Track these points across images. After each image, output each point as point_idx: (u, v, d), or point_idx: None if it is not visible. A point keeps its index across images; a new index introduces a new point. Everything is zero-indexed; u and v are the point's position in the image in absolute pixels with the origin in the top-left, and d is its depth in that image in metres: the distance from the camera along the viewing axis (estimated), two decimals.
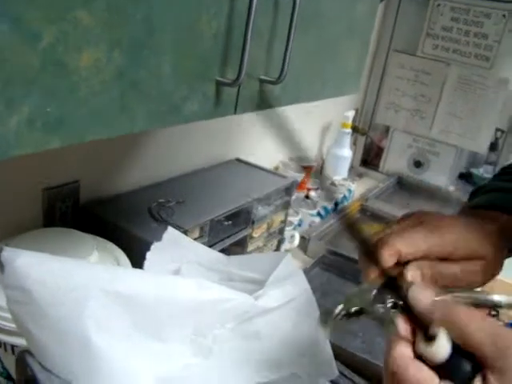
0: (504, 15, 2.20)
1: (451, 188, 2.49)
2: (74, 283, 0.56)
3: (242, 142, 1.65)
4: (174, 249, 0.75)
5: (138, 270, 0.73)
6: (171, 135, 1.32)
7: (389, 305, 0.50)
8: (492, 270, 0.62)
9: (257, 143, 1.74)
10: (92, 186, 1.17)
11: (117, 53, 0.52)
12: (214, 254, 0.77)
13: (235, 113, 0.73)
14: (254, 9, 0.63)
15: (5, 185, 0.97)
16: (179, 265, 0.74)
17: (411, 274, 0.55)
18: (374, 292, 0.51)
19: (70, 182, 1.12)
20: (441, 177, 2.49)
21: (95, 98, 0.51)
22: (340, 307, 0.53)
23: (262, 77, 0.76)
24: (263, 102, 0.78)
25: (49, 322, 0.55)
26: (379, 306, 0.50)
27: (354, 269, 1.54)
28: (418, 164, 2.54)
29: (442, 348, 0.44)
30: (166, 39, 0.57)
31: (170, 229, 0.74)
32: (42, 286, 0.55)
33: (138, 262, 0.98)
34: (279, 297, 0.68)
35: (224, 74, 0.67)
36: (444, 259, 0.58)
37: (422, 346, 0.44)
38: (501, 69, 2.32)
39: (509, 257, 0.67)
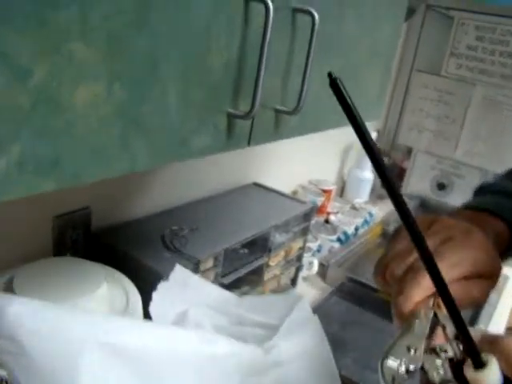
0: None
1: None
2: (69, 335, 0.52)
3: (259, 165, 1.61)
4: (182, 289, 0.70)
5: (136, 320, 0.69)
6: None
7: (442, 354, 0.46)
8: (492, 284, 0.58)
9: (275, 166, 1.70)
10: (103, 212, 1.13)
11: (117, 87, 0.47)
12: (224, 295, 0.72)
13: (249, 145, 0.68)
14: (267, 39, 0.59)
15: (13, 212, 0.94)
16: (187, 307, 0.69)
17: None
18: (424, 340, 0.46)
19: (81, 208, 1.09)
20: (465, 199, 2.41)
21: (93, 136, 0.47)
22: (399, 365, 0.45)
23: (278, 107, 0.72)
24: (279, 133, 0.73)
25: (41, 376, 0.51)
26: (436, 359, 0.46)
27: (374, 298, 1.49)
28: (441, 186, 2.48)
29: (494, 375, 0.43)
30: (172, 71, 0.52)
31: (178, 267, 0.70)
32: (35, 336, 0.51)
33: (149, 292, 0.95)
34: (292, 349, 0.62)
35: (236, 105, 0.63)
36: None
37: (472, 373, 0.43)
38: None
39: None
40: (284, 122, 0.74)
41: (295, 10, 0.68)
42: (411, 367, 0.44)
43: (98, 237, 1.11)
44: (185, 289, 0.71)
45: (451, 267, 0.51)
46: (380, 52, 0.99)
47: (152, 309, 0.67)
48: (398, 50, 2.36)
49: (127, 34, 0.47)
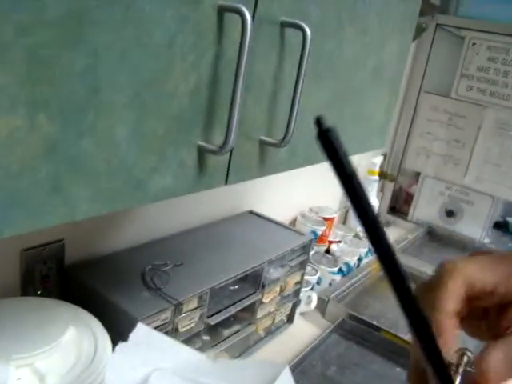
0: None
1: (486, 240, 2.31)
2: None
3: (257, 191, 1.51)
4: (146, 350, 0.60)
5: None
6: None
7: None
8: None
9: (274, 192, 1.60)
10: (79, 244, 1.04)
11: (43, 118, 0.37)
12: (194, 358, 0.61)
13: (226, 183, 0.58)
14: (244, 57, 0.48)
15: None
16: (149, 371, 0.58)
17: None
18: None
19: (54, 241, 0.99)
20: (475, 227, 2.31)
21: (12, 181, 0.37)
22: None
23: (263, 138, 0.61)
24: (264, 168, 0.62)
25: None
26: None
27: (377, 338, 1.40)
28: (450, 213, 2.37)
29: None
30: (120, 98, 0.42)
31: (140, 326, 0.59)
32: None
33: (121, 336, 0.86)
34: None
35: (208, 137, 0.52)
36: None
37: None
38: None
39: None
40: (270, 155, 0.63)
41: (284, 25, 0.57)
42: None
43: (72, 272, 1.02)
44: (148, 350, 0.60)
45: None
46: (385, 73, 0.88)
47: (108, 374, 0.56)
48: (405, 70, 2.27)
49: (54, 51, 0.36)
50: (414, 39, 1.94)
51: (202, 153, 0.52)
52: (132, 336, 0.59)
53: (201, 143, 0.52)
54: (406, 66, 0.94)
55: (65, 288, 1.03)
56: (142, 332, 0.59)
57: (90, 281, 0.99)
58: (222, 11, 0.48)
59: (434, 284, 0.41)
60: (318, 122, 0.24)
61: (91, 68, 0.39)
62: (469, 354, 0.42)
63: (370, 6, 0.76)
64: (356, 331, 1.45)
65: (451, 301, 0.40)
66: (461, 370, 0.39)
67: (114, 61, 0.40)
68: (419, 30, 1.94)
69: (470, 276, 0.40)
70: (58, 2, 0.35)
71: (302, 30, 0.57)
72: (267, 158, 0.63)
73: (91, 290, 0.97)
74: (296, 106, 0.59)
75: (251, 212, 1.45)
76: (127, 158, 0.44)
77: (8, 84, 0.35)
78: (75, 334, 0.85)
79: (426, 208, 2.42)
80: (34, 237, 0.95)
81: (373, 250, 0.29)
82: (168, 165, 0.49)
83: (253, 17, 0.53)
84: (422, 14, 1.86)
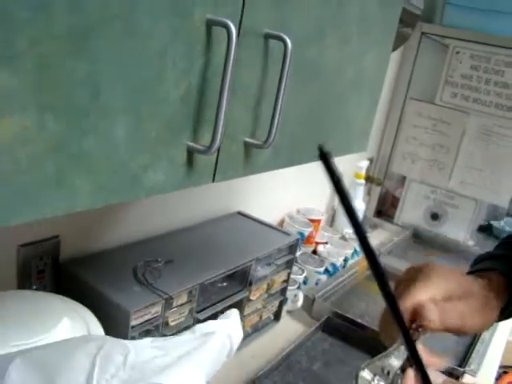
0: None
1: (470, 243, 2.37)
2: None
3: (245, 193, 1.56)
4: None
5: None
6: None
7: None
8: (485, 313, 0.67)
9: (262, 194, 1.64)
10: (74, 241, 1.08)
11: (50, 119, 0.42)
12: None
13: (213, 181, 0.63)
14: (230, 66, 0.53)
15: None
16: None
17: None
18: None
19: (49, 237, 1.03)
20: (459, 230, 2.37)
21: (22, 175, 0.42)
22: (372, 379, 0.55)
23: (248, 139, 0.66)
24: (249, 168, 0.67)
25: None
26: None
27: (361, 335, 1.44)
28: (435, 216, 2.43)
29: None
30: (118, 101, 0.47)
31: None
32: None
33: (114, 328, 0.90)
34: None
35: (197, 138, 0.57)
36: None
37: None
38: None
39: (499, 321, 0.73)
40: (255, 155, 0.68)
41: (267, 36, 0.63)
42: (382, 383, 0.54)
43: (67, 268, 1.06)
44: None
45: (424, 288, 0.62)
46: (366, 81, 0.94)
47: None
48: (391, 76, 2.33)
49: (61, 60, 0.41)
50: (397, 48, 2.00)
51: (191, 152, 0.57)
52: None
53: (190, 143, 0.57)
54: (386, 73, 0.99)
55: (59, 283, 1.06)
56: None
57: (84, 276, 1.02)
58: (210, 24, 0.53)
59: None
60: (320, 148, 0.38)
61: (93, 75, 0.44)
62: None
63: (350, 17, 0.81)
64: (341, 329, 1.49)
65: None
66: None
67: (113, 69, 0.45)
68: (402, 39, 2.00)
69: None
70: (64, 18, 0.40)
71: (284, 41, 0.62)
72: (252, 158, 0.68)
73: (85, 285, 1.01)
74: (278, 111, 0.65)
75: (240, 213, 1.50)
76: (124, 156, 0.50)
77: (20, 88, 0.40)
78: (69, 325, 0.87)
79: (411, 211, 2.48)
80: (30, 233, 0.99)
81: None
82: (160, 163, 0.54)
83: (238, 29, 0.59)
84: (404, 23, 1.92)
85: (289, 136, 0.74)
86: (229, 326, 0.69)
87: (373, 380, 0.54)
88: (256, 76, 0.64)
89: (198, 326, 0.68)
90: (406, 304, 0.61)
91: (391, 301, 0.49)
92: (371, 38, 0.89)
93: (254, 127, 0.67)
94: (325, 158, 0.39)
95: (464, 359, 1.49)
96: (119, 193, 0.51)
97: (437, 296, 0.63)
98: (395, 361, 0.55)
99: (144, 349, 0.61)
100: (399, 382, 0.54)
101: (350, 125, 0.92)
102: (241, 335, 0.72)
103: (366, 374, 0.54)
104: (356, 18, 0.82)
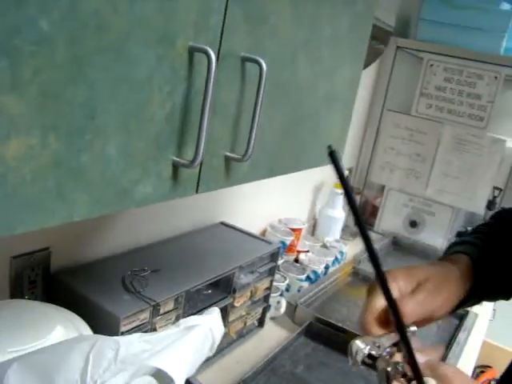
0: (496, 77, 2.19)
1: None
2: None
3: (228, 204, 1.61)
4: None
5: None
6: None
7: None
8: (443, 294, 0.72)
9: (245, 205, 1.70)
10: (64, 253, 1.12)
11: (52, 139, 0.48)
12: None
13: (197, 192, 0.69)
14: (210, 88, 0.59)
15: None
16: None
17: None
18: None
19: (40, 249, 1.07)
20: (437, 237, 2.44)
21: (26, 188, 0.47)
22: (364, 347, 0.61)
23: (228, 154, 0.72)
24: (230, 180, 0.73)
25: None
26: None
27: (342, 339, 1.49)
28: (413, 224, 2.50)
29: None
30: (111, 122, 0.53)
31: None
32: None
33: (105, 335, 0.93)
34: None
35: (181, 154, 0.63)
36: None
37: None
38: (495, 128, 2.31)
39: (457, 309, 0.78)
40: (235, 168, 0.74)
41: (244, 59, 0.69)
42: (373, 352, 0.59)
43: (58, 278, 1.10)
44: None
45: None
46: (339, 97, 1.00)
47: None
48: (369, 89, 2.40)
49: (61, 86, 0.47)
50: (371, 63, 2.08)
51: (176, 166, 0.63)
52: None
53: (175, 158, 0.63)
54: (357, 89, 1.06)
55: (51, 293, 1.09)
56: None
57: (74, 285, 1.06)
58: (191, 51, 0.60)
59: None
60: (329, 147, 0.48)
61: (89, 99, 0.50)
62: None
63: (322, 40, 0.88)
64: (323, 333, 1.54)
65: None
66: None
67: (107, 93, 0.51)
68: (376, 55, 2.08)
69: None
70: (64, 49, 0.46)
71: (259, 63, 0.69)
72: (232, 170, 0.74)
73: (76, 294, 1.04)
74: (255, 127, 0.71)
75: (223, 223, 1.55)
76: (116, 170, 0.55)
77: (26, 112, 0.45)
78: (62, 332, 0.90)
79: (390, 219, 2.55)
80: (22, 245, 1.02)
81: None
82: (149, 176, 0.60)
83: (218, 54, 0.65)
84: (378, 40, 2.00)
85: (266, 150, 0.81)
86: (211, 321, 0.74)
87: (365, 348, 0.59)
88: (234, 96, 0.71)
89: (183, 320, 0.73)
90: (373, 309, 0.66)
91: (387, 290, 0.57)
92: (342, 58, 0.96)
93: (233, 142, 0.73)
94: (332, 156, 0.48)
95: (440, 359, 1.55)
96: (112, 204, 0.57)
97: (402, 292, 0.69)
98: (386, 341, 0.61)
99: (133, 343, 0.66)
100: (387, 359, 0.60)
101: (324, 138, 0.99)
102: (222, 330, 0.77)
103: (359, 342, 0.60)
104: (327, 41, 0.88)
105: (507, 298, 0.86)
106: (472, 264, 0.77)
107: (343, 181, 0.50)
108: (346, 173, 0.50)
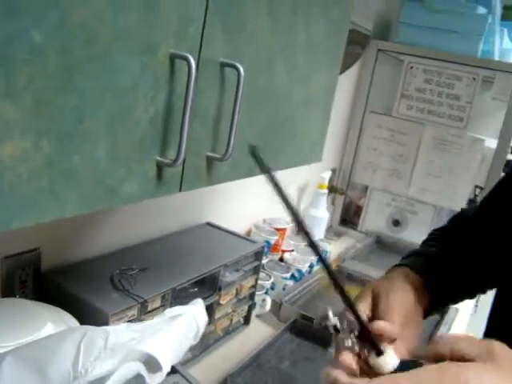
0: (474, 78, 2.25)
1: None
2: None
3: (214, 205, 1.65)
4: None
5: None
6: None
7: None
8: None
9: (230, 206, 1.74)
10: (54, 253, 1.15)
11: (45, 142, 0.52)
12: None
13: (180, 190, 0.73)
14: (191, 92, 0.64)
15: None
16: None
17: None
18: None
19: (30, 249, 1.11)
20: (420, 235, 2.47)
21: (21, 186, 0.51)
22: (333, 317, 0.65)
23: (209, 154, 0.76)
24: (212, 178, 0.78)
25: None
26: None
27: (325, 335, 1.51)
28: (396, 223, 2.55)
29: (390, 359, 0.58)
30: (99, 127, 0.57)
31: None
32: None
33: None
34: None
35: (165, 154, 0.68)
36: None
37: (374, 359, 0.59)
38: (475, 128, 2.37)
39: (426, 317, 0.79)
40: (216, 167, 0.79)
41: (223, 65, 0.74)
42: (338, 325, 0.63)
43: (48, 277, 1.13)
44: None
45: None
46: (316, 100, 1.05)
47: None
48: (346, 94, 2.45)
49: (53, 94, 0.51)
50: (350, 66, 2.13)
51: (160, 166, 0.68)
52: None
53: (159, 158, 0.67)
54: (334, 94, 1.11)
55: (41, 292, 1.12)
56: None
57: (64, 284, 1.09)
58: (173, 58, 0.64)
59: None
60: (250, 146, 0.52)
61: (78, 105, 0.54)
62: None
63: (298, 46, 0.92)
64: (307, 330, 1.56)
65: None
66: None
67: (95, 100, 0.56)
68: (354, 58, 2.14)
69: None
70: (55, 57, 0.50)
71: (237, 68, 0.73)
72: (213, 170, 0.78)
73: (66, 292, 1.07)
74: (234, 128, 0.75)
75: (208, 223, 1.58)
76: (104, 171, 0.60)
77: (21, 118, 0.49)
78: (53, 329, 0.92)
79: (374, 218, 2.60)
80: (13, 246, 1.06)
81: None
82: (134, 176, 0.64)
83: (198, 59, 0.69)
84: (356, 44, 2.06)
85: (246, 150, 0.85)
86: (195, 311, 0.79)
87: (333, 319, 0.64)
88: (214, 100, 0.75)
89: (168, 310, 0.78)
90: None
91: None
92: (319, 63, 1.01)
93: (214, 143, 0.77)
94: (254, 154, 0.52)
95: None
96: (101, 202, 0.61)
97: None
98: (354, 323, 0.63)
99: (122, 332, 0.71)
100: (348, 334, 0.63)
101: (302, 139, 1.04)
102: (206, 320, 0.82)
103: (331, 313, 0.64)
104: (304, 47, 0.93)
105: (472, 297, 0.91)
106: (423, 280, 0.79)
107: (270, 176, 0.54)
108: (274, 172, 0.54)
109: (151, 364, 0.67)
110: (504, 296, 0.84)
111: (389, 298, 0.71)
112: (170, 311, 0.77)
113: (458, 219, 0.98)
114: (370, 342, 0.61)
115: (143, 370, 0.66)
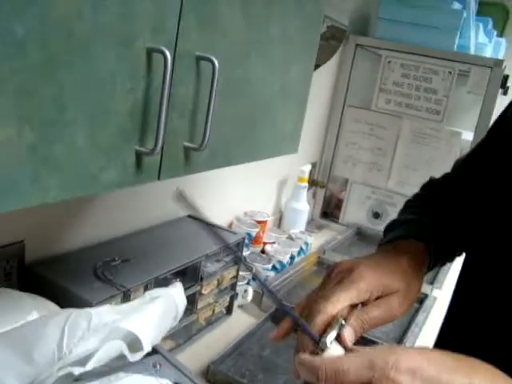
0: (450, 72, 2.30)
1: None
2: None
3: (195, 197, 1.68)
4: None
5: None
6: (120, 192, 1.34)
7: None
8: (410, 297, 0.73)
9: (211, 199, 1.77)
10: (38, 245, 1.17)
11: (27, 130, 0.55)
12: None
13: (159, 179, 0.76)
14: (167, 84, 0.67)
15: None
16: None
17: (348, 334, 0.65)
18: None
19: (15, 241, 1.13)
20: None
21: (5, 172, 0.54)
22: None
23: (186, 144, 0.80)
24: (189, 168, 0.81)
25: None
26: None
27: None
28: (376, 215, 2.60)
29: (333, 351, 0.63)
30: (79, 116, 0.60)
31: None
32: None
33: None
34: None
35: (143, 143, 0.71)
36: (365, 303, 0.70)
37: (321, 356, 0.63)
38: (452, 121, 2.42)
39: (430, 270, 0.83)
40: (193, 157, 0.82)
41: (198, 58, 0.77)
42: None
43: (32, 269, 1.15)
44: None
45: (335, 306, 0.67)
46: (291, 93, 1.08)
47: None
48: (331, 86, 2.49)
49: (35, 84, 0.54)
50: (327, 60, 2.17)
51: (138, 155, 0.71)
52: None
53: (137, 148, 0.70)
54: (309, 87, 1.14)
55: (26, 283, 1.14)
56: None
57: (48, 276, 1.11)
58: (150, 52, 0.67)
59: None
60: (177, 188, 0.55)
61: (59, 95, 0.57)
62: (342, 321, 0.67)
63: (273, 39, 0.96)
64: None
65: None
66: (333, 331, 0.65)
67: (75, 90, 0.59)
68: (331, 52, 2.18)
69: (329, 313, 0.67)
70: (37, 50, 0.53)
71: (212, 61, 0.76)
72: (191, 159, 0.82)
73: (50, 283, 1.09)
74: (210, 119, 0.79)
75: (190, 216, 1.61)
76: (85, 159, 0.63)
77: (4, 106, 0.52)
78: (38, 317, 0.98)
79: (355, 211, 2.64)
80: None
81: None
82: (114, 164, 0.67)
83: (174, 53, 0.72)
84: (333, 38, 2.10)
85: (223, 140, 0.88)
86: (174, 293, 0.82)
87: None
88: (190, 91, 0.78)
89: (148, 292, 0.81)
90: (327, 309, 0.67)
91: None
92: (293, 55, 1.04)
93: (191, 133, 0.81)
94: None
95: (400, 339, 1.64)
96: (81, 188, 0.64)
97: (378, 294, 0.70)
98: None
99: (105, 313, 0.74)
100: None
101: (277, 130, 1.07)
102: (184, 301, 0.85)
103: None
104: (278, 40, 0.96)
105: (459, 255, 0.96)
106: (424, 246, 0.82)
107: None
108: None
109: (133, 343, 0.70)
110: (469, 266, 0.87)
111: (359, 268, 0.72)
112: (150, 293, 0.81)
113: (431, 186, 1.02)
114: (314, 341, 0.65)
115: (125, 349, 0.69)
